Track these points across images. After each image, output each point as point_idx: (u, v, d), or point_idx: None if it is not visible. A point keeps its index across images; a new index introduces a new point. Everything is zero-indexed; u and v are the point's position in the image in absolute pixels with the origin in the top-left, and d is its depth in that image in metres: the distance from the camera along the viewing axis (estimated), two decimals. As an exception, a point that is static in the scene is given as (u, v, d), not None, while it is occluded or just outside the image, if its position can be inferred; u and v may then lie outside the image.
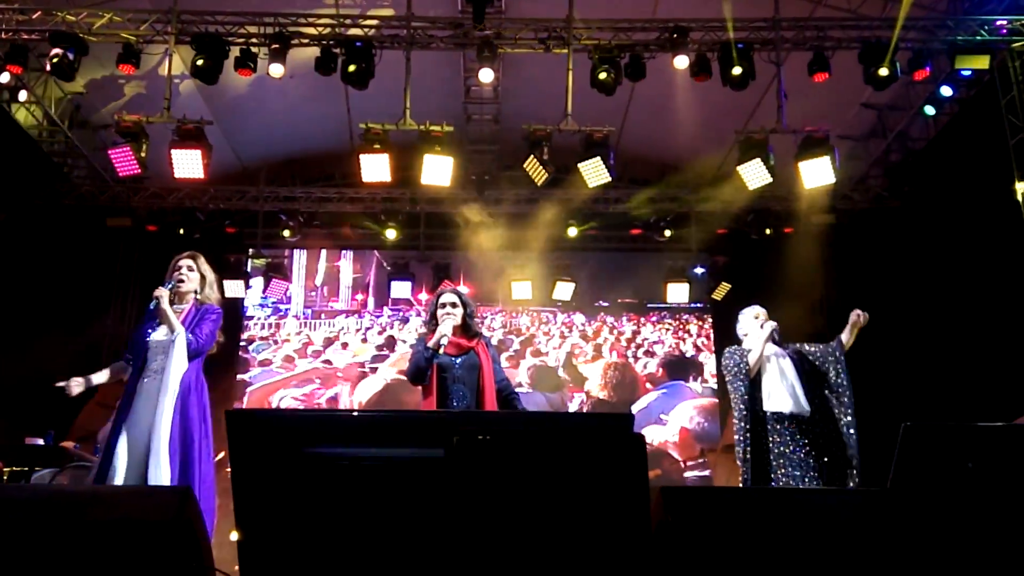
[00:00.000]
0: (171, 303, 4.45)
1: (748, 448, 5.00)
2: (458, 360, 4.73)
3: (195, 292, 4.59)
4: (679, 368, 11.55)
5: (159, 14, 7.74)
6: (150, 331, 4.42)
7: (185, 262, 4.62)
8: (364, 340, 11.69)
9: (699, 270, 11.35)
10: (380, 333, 11.77)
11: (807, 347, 5.33)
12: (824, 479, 4.89)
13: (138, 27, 7.76)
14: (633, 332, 11.83)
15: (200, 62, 7.56)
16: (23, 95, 8.41)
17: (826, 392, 5.13)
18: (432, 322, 4.86)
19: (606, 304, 11.82)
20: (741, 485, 5.08)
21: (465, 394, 4.67)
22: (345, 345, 11.59)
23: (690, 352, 11.72)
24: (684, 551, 2.30)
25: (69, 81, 7.97)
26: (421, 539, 2.29)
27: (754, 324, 5.34)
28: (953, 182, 8.58)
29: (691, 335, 11.86)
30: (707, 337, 11.76)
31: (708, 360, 11.60)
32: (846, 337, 5.21)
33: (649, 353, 11.71)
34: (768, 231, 10.51)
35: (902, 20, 7.54)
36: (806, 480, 4.87)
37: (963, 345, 7.98)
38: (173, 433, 4.20)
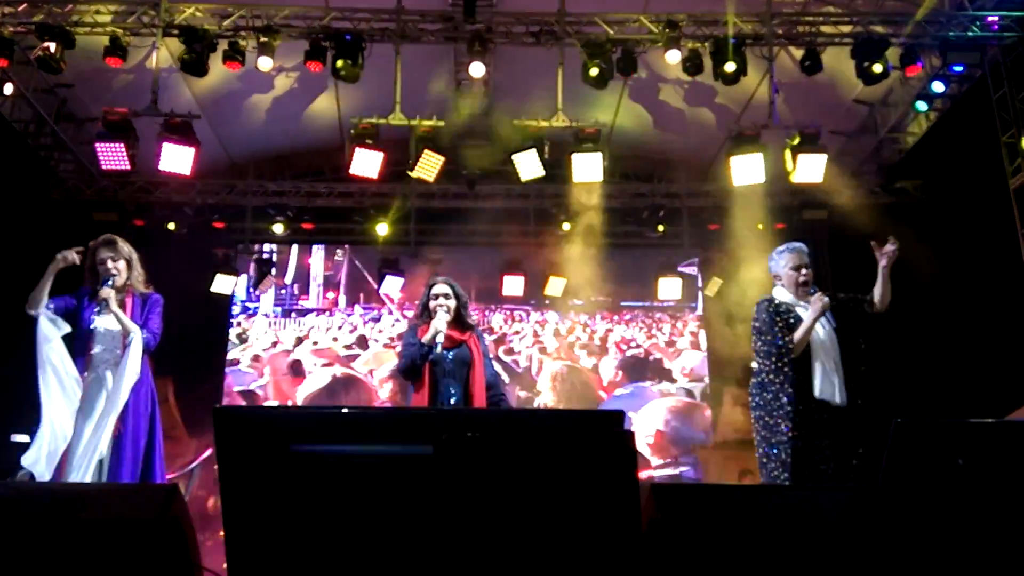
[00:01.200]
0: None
1: (796, 437, 4.25)
2: (450, 354, 4.67)
3: (125, 281, 4.53)
4: (638, 370, 11.44)
5: (146, 6, 7.68)
6: (93, 315, 4.39)
7: (105, 254, 4.52)
8: (335, 339, 11.55)
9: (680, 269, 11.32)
10: (352, 332, 11.62)
11: (841, 296, 4.58)
12: (852, 475, 4.28)
13: (125, 20, 7.69)
14: (606, 331, 11.73)
15: (188, 55, 7.51)
16: (9, 88, 8.33)
17: (854, 367, 4.43)
18: (424, 313, 4.76)
19: (579, 302, 11.63)
20: (775, 476, 4.35)
21: (455, 390, 4.62)
22: (315, 343, 11.43)
23: (658, 353, 11.61)
24: (675, 549, 2.29)
25: (55, 74, 7.90)
26: (410, 537, 2.28)
27: (792, 276, 4.55)
28: (945, 178, 8.61)
29: (663, 334, 11.74)
30: (680, 335, 11.68)
31: (681, 359, 11.51)
32: (878, 292, 4.48)
33: (621, 349, 11.63)
34: (760, 226, 10.51)
35: (921, 15, 7.52)
36: (840, 476, 4.24)
37: (956, 340, 8.01)
38: (132, 428, 4.22)
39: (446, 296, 4.71)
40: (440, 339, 4.55)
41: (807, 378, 4.37)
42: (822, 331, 4.46)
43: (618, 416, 2.42)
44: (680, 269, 11.12)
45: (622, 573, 2.18)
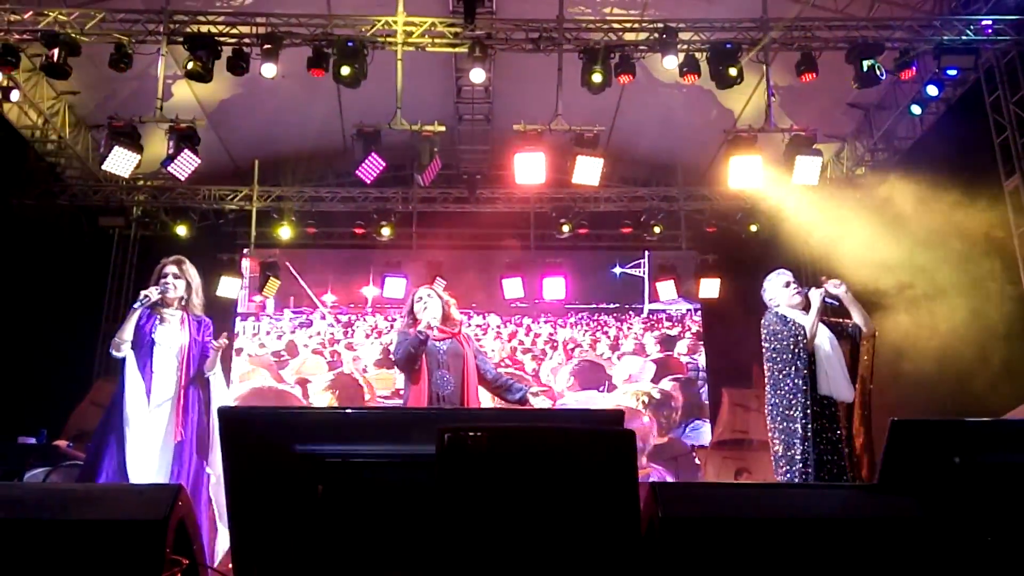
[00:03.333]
0: (157, 305, 4.54)
1: (809, 434, 4.51)
2: (443, 347, 4.83)
3: (182, 298, 4.64)
4: (591, 377, 11.20)
5: (151, 14, 7.74)
6: (154, 327, 4.50)
7: (171, 268, 4.65)
8: (262, 345, 11.31)
9: (618, 269, 11.23)
10: (279, 338, 11.35)
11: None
12: (850, 467, 4.55)
13: (130, 27, 7.75)
14: (549, 335, 11.50)
15: (192, 62, 7.56)
16: (16, 95, 8.39)
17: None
18: (411, 317, 4.94)
19: (523, 304, 11.33)
20: (786, 470, 4.61)
21: (449, 380, 4.75)
22: (239, 351, 11.11)
23: (606, 354, 11.38)
24: (673, 546, 2.32)
25: (62, 80, 7.96)
26: (413, 537, 2.31)
27: (786, 293, 4.86)
28: (940, 181, 8.63)
29: (608, 337, 11.49)
30: (625, 338, 11.45)
31: (620, 365, 11.32)
32: (858, 318, 4.80)
33: (568, 355, 11.40)
34: (756, 229, 10.54)
35: None
36: (840, 467, 4.51)
37: (951, 342, 8.02)
38: (190, 438, 4.38)
39: (429, 296, 4.94)
40: (435, 323, 4.77)
41: (814, 377, 4.66)
42: (822, 334, 4.74)
43: (618, 415, 2.45)
44: (624, 269, 11.05)
45: (622, 570, 2.21)
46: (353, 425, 2.49)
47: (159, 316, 4.53)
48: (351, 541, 2.35)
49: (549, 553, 2.18)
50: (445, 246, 11.25)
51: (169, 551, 2.32)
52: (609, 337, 11.51)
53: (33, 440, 7.43)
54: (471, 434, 2.21)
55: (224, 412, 2.48)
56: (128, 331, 4.44)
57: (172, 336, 4.51)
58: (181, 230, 10.47)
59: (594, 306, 11.44)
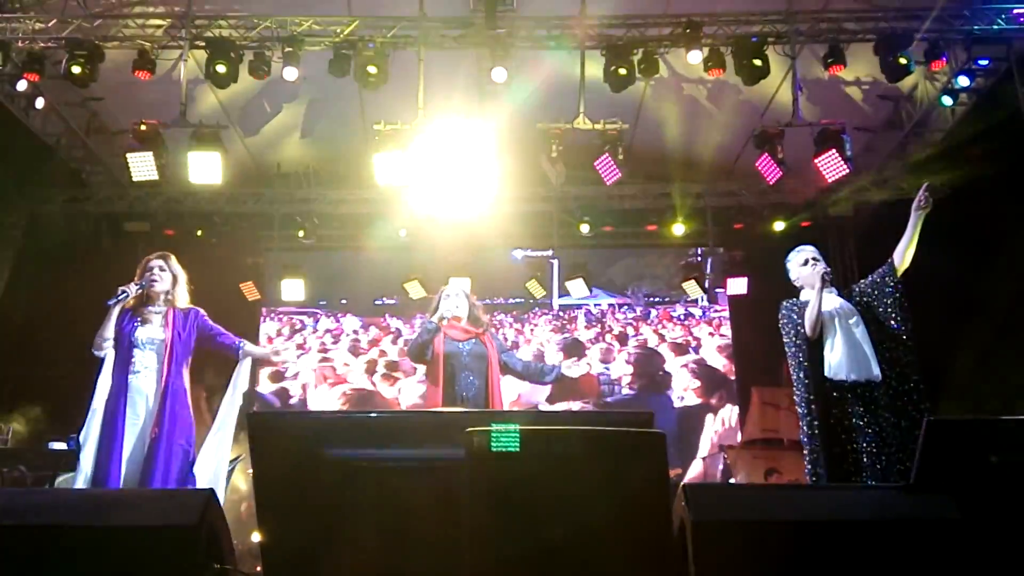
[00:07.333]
0: (143, 303, 4.54)
1: (815, 422, 4.30)
2: (465, 347, 4.84)
3: (167, 292, 4.63)
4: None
5: (173, 19, 7.80)
6: (135, 327, 4.49)
7: (156, 263, 4.65)
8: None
9: (519, 253, 10.80)
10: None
11: (862, 284, 4.61)
12: (901, 448, 4.20)
13: (153, 33, 7.81)
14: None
15: (214, 66, 7.60)
16: (40, 102, 8.47)
17: (890, 343, 4.40)
18: (436, 313, 4.98)
19: (392, 301, 10.90)
20: (808, 467, 4.40)
21: (474, 381, 4.76)
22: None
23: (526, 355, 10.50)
24: (705, 549, 2.29)
25: (85, 87, 8.03)
26: (441, 538, 2.30)
27: (805, 271, 4.63)
28: (972, 172, 8.49)
29: (535, 337, 10.85)
30: (528, 343, 10.83)
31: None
32: (901, 250, 4.49)
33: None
34: (785, 225, 10.43)
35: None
36: (884, 453, 4.18)
37: (984, 337, 7.90)
38: (168, 432, 4.34)
39: (456, 295, 5.00)
40: (448, 315, 4.82)
41: (820, 363, 4.39)
42: (833, 304, 4.50)
43: (647, 416, 2.43)
44: (532, 253, 10.71)
45: (653, 572, 2.19)
46: (383, 428, 2.49)
47: (140, 317, 4.50)
48: (381, 543, 2.34)
49: (579, 554, 2.17)
50: (466, 247, 11.22)
51: (201, 555, 2.33)
52: (507, 339, 10.68)
53: (64, 445, 7.50)
54: (499, 436, 2.20)
55: (254, 417, 2.49)
56: (109, 329, 4.43)
57: (153, 335, 4.49)
58: (205, 234, 10.52)
59: (502, 301, 10.78)
